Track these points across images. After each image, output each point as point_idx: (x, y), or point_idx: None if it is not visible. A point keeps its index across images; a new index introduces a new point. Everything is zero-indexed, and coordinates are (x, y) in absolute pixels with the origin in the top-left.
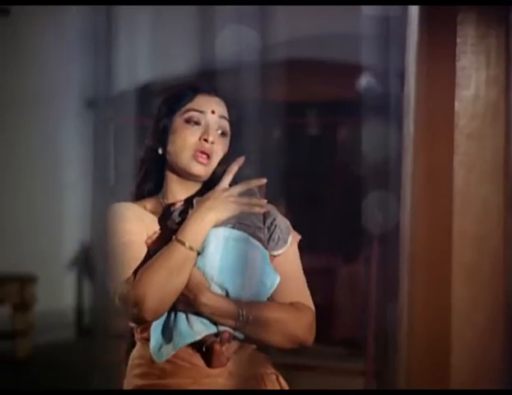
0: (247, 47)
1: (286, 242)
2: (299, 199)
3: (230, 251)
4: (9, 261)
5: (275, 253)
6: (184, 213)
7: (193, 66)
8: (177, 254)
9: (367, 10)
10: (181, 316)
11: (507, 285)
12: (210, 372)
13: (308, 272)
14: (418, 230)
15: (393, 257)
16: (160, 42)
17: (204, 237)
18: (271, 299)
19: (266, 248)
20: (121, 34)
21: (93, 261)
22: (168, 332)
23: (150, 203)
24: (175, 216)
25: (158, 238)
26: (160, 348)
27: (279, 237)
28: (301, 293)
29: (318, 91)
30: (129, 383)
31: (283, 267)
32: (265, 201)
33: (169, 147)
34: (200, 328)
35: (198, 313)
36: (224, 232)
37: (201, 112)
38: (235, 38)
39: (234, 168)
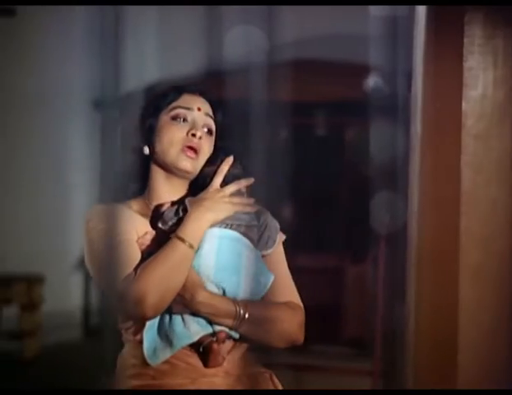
0: (254, 47)
1: (275, 241)
2: (306, 199)
3: (224, 250)
4: (16, 261)
5: (264, 252)
6: (176, 214)
7: (200, 66)
8: (177, 251)
9: (374, 10)
10: (176, 318)
11: None
12: (206, 372)
13: (315, 272)
14: (425, 231)
15: (401, 258)
16: (168, 42)
17: (202, 236)
18: (264, 298)
19: (256, 247)
20: (128, 34)
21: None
22: (163, 335)
23: (136, 204)
24: (167, 217)
25: (152, 239)
26: (154, 351)
27: (269, 236)
28: (292, 292)
29: (326, 92)
30: (123, 384)
31: (273, 267)
32: (253, 200)
33: (156, 146)
34: (196, 329)
35: (194, 314)
36: (217, 232)
37: (187, 108)
38: (242, 38)
39: (224, 168)
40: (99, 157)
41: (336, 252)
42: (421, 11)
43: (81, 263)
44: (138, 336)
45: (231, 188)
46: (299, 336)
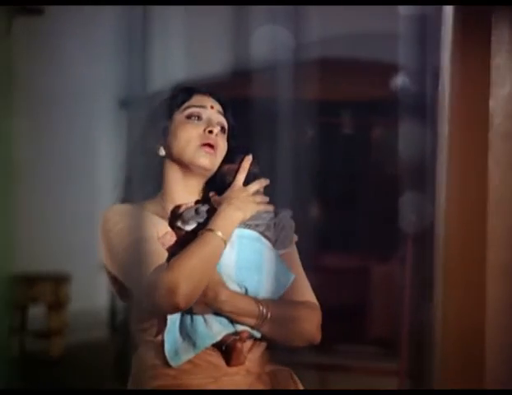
0: (281, 46)
1: (291, 241)
2: (332, 199)
3: (245, 249)
4: (43, 260)
5: (281, 252)
6: (197, 212)
7: (226, 65)
8: (210, 243)
9: (402, 8)
10: (198, 318)
11: None
12: (228, 370)
13: (342, 272)
14: (452, 230)
15: (428, 257)
16: (194, 42)
17: (232, 234)
18: (282, 297)
19: (274, 246)
20: (155, 33)
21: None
22: (185, 335)
23: (151, 206)
24: (186, 216)
25: (173, 239)
26: (176, 351)
27: (286, 236)
28: (309, 291)
29: (353, 91)
30: (142, 384)
31: (290, 266)
32: (267, 199)
33: (173, 145)
34: (219, 328)
35: (216, 313)
36: (236, 231)
37: (201, 107)
38: (268, 37)
39: (246, 166)
40: (124, 157)
41: (362, 251)
42: (449, 10)
43: None
44: (159, 337)
45: (254, 186)
46: (316, 335)
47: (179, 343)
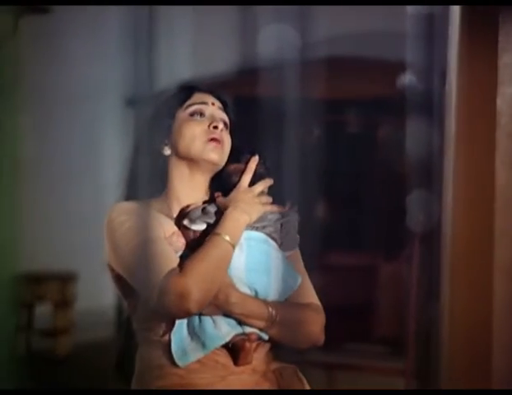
0: (287, 45)
1: (297, 243)
2: (339, 197)
3: (253, 252)
4: (50, 259)
5: (287, 253)
6: (203, 212)
7: (233, 64)
8: (219, 248)
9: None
10: (206, 319)
11: None
12: (234, 369)
13: (349, 270)
14: (459, 229)
15: (435, 256)
16: (201, 40)
17: (240, 237)
18: (287, 299)
19: (280, 248)
20: (161, 31)
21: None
22: (193, 336)
23: (157, 204)
24: (193, 215)
25: (181, 239)
26: (183, 352)
27: (291, 238)
28: (313, 293)
29: (359, 89)
30: (147, 384)
31: (296, 267)
32: (271, 199)
33: (178, 143)
34: (227, 330)
35: (225, 314)
36: (244, 233)
37: (203, 103)
38: (275, 36)
39: (252, 166)
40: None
41: (369, 250)
42: (456, 9)
43: None
44: (165, 337)
45: (259, 187)
46: (321, 337)
47: (187, 343)
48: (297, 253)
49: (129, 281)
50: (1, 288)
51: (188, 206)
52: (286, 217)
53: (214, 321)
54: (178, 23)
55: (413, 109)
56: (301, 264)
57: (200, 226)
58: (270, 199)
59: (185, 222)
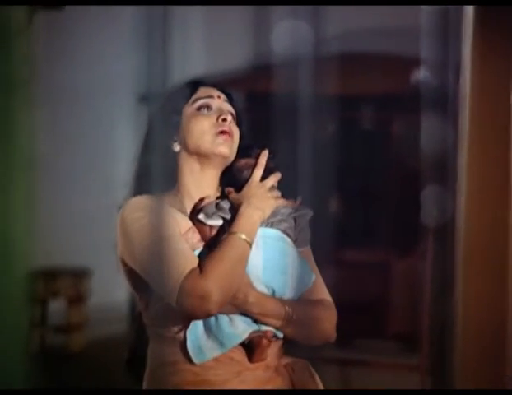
0: (301, 41)
1: (309, 239)
2: (353, 194)
3: (270, 250)
4: (63, 255)
5: (300, 249)
6: (217, 208)
7: (246, 60)
8: (236, 247)
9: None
10: (223, 318)
11: None
12: (249, 365)
13: (363, 266)
14: (473, 225)
15: (449, 252)
16: (215, 36)
17: (255, 234)
18: (301, 296)
19: (294, 244)
20: (175, 27)
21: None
22: (210, 335)
23: (169, 199)
24: (209, 210)
25: (199, 237)
26: (199, 349)
27: (305, 234)
28: (325, 289)
29: (373, 85)
30: (161, 381)
31: (309, 264)
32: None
33: (187, 139)
34: (244, 327)
35: (242, 313)
36: (260, 231)
37: (209, 97)
38: (289, 32)
39: (263, 161)
40: (140, 152)
41: (383, 246)
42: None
43: None
44: (180, 335)
45: (270, 181)
46: (333, 334)
47: (204, 341)
48: (309, 249)
49: (144, 278)
50: (15, 284)
51: (201, 200)
52: (298, 211)
53: (230, 319)
54: (191, 19)
55: (427, 104)
56: (313, 260)
57: (216, 221)
58: (279, 193)
59: (200, 217)
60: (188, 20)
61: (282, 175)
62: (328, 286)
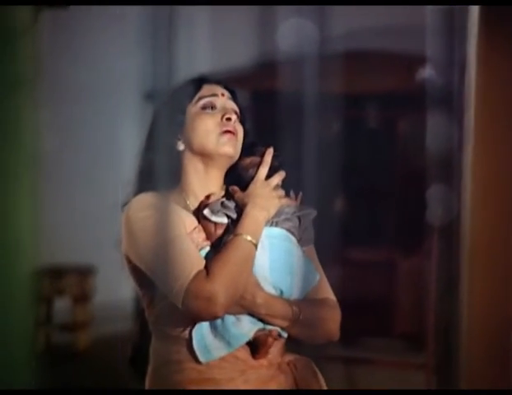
0: (306, 39)
1: (313, 238)
2: (358, 192)
3: (276, 250)
4: (69, 253)
5: (303, 248)
6: (223, 206)
7: (252, 58)
8: (242, 249)
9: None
10: (229, 318)
11: None
12: (253, 363)
13: (368, 265)
14: (478, 223)
15: (454, 250)
16: (220, 34)
17: (260, 235)
18: (306, 295)
19: (299, 243)
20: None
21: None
22: (217, 334)
23: (173, 196)
24: (215, 208)
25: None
26: (207, 349)
27: (309, 233)
28: (328, 288)
29: (379, 84)
30: (165, 379)
31: (313, 263)
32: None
33: (192, 138)
34: (250, 327)
35: (249, 313)
36: (265, 231)
37: (213, 95)
38: (294, 30)
39: (268, 159)
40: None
41: (388, 245)
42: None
43: None
44: (184, 333)
45: (275, 180)
46: (337, 333)
47: (210, 340)
48: (312, 247)
49: (150, 277)
50: (20, 283)
51: (208, 198)
52: (303, 211)
53: (237, 319)
54: (197, 17)
55: (433, 103)
56: (317, 259)
57: (220, 219)
58: (283, 192)
59: (205, 212)
60: (194, 17)
61: (286, 173)
62: (333, 285)
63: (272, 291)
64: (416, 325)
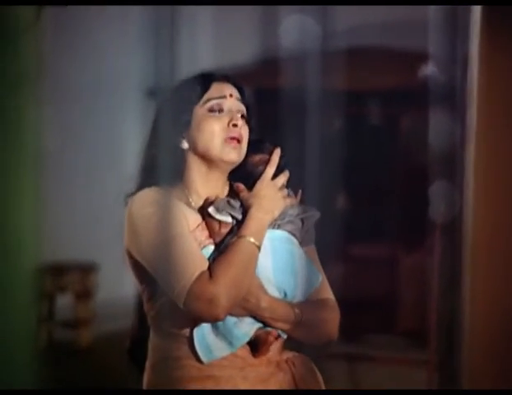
0: (309, 36)
1: (313, 238)
2: (361, 189)
3: (278, 252)
4: (71, 250)
5: (304, 248)
6: (229, 205)
7: (254, 55)
8: (245, 252)
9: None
10: (230, 318)
11: None
12: (252, 361)
13: (370, 262)
14: (481, 220)
15: (457, 247)
16: (222, 31)
17: (264, 237)
18: (308, 296)
19: (300, 244)
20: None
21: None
22: (218, 333)
23: (176, 192)
24: (220, 205)
25: (207, 234)
26: (208, 348)
27: (310, 234)
28: (328, 288)
29: (381, 80)
30: (164, 375)
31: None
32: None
33: (197, 140)
34: (250, 326)
35: (252, 315)
36: (268, 233)
37: (221, 97)
38: (296, 27)
39: (275, 159)
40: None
41: (391, 242)
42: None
43: None
44: (185, 331)
45: (280, 180)
46: (336, 334)
47: (211, 340)
48: (313, 247)
49: (152, 274)
50: (22, 279)
51: (209, 197)
52: (306, 213)
53: (238, 320)
54: (200, 14)
55: (435, 100)
56: (317, 259)
57: (225, 217)
58: (287, 192)
59: (210, 210)
60: (196, 15)
61: (289, 171)
62: (336, 282)
63: (276, 293)
64: (419, 322)
